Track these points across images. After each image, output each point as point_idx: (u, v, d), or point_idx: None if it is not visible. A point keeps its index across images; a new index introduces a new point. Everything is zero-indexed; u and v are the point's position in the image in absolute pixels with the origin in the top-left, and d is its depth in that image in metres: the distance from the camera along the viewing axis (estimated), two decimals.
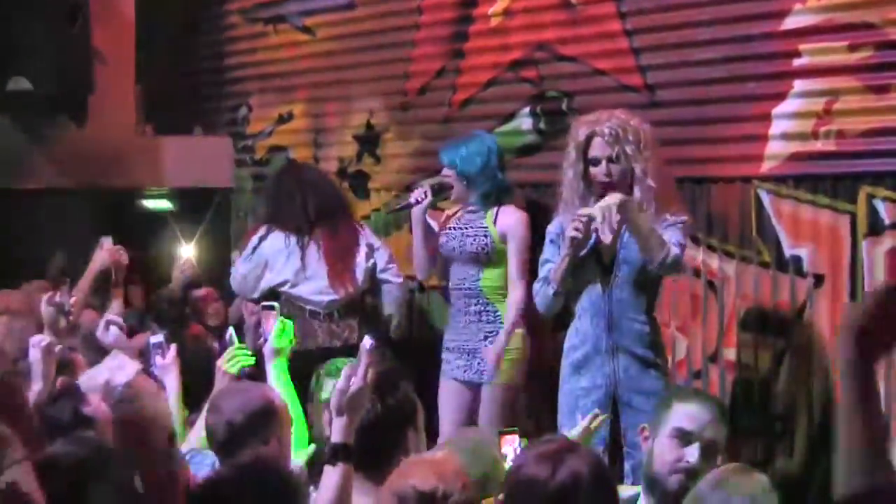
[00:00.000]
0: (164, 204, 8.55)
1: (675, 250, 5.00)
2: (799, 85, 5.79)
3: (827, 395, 5.71)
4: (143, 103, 8.67)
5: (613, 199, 4.93)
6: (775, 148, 5.87)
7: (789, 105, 5.82)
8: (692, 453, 3.69)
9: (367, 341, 3.36)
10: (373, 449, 3.41)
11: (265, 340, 4.70)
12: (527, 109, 6.94)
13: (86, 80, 7.65)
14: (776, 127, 5.86)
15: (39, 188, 7.81)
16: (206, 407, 4.74)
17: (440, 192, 6.00)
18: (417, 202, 5.95)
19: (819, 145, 5.70)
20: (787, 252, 5.85)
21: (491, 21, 7.12)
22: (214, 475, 3.24)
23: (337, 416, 3.26)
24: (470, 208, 6.03)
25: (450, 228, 6.06)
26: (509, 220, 5.93)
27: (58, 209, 7.78)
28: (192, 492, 3.25)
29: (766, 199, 5.92)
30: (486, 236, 5.91)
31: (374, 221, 7.55)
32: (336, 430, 3.26)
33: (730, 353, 6.03)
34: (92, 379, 4.42)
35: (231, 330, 5.55)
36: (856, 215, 5.63)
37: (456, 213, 6.11)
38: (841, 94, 5.63)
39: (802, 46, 5.76)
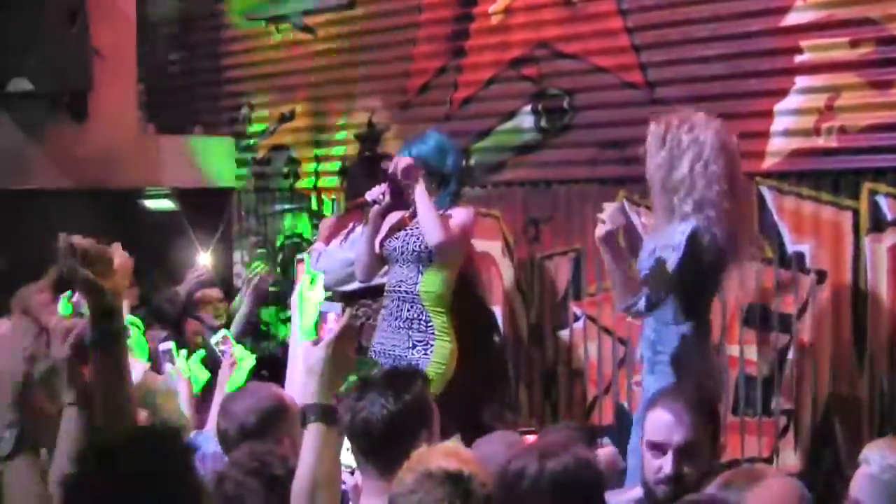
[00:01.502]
0: (165, 204, 8.55)
1: (641, 304, 4.77)
2: (800, 81, 5.80)
3: (830, 391, 5.71)
4: (145, 103, 8.67)
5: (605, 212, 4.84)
6: (777, 144, 5.87)
7: (791, 101, 5.82)
8: (666, 463, 3.68)
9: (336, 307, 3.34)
10: (385, 446, 3.38)
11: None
12: (528, 107, 6.94)
13: (86, 79, 7.64)
14: (778, 123, 5.86)
15: (39, 188, 7.80)
16: (213, 404, 4.75)
17: (399, 191, 5.66)
18: (375, 202, 5.66)
19: (821, 142, 5.71)
20: (790, 248, 5.85)
21: (491, 19, 7.12)
22: None
23: (310, 376, 3.25)
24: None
25: (395, 231, 5.77)
26: (455, 216, 5.61)
27: (58, 209, 7.77)
28: None
29: (769, 196, 5.92)
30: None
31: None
32: (306, 392, 3.24)
33: (733, 350, 6.02)
34: None
35: (222, 332, 5.56)
36: (858, 211, 5.64)
37: (403, 217, 5.81)
38: (843, 91, 5.64)
39: (804, 43, 5.77)
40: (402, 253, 5.65)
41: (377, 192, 5.64)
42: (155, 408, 4.54)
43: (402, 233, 5.70)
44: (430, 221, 5.50)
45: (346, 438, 3.44)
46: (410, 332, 5.60)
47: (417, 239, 5.60)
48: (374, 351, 5.75)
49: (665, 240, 4.83)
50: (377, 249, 5.74)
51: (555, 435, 3.84)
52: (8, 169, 7.70)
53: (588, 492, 3.19)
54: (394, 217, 5.80)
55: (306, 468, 3.13)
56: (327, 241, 6.60)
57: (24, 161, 7.77)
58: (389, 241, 5.72)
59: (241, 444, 3.86)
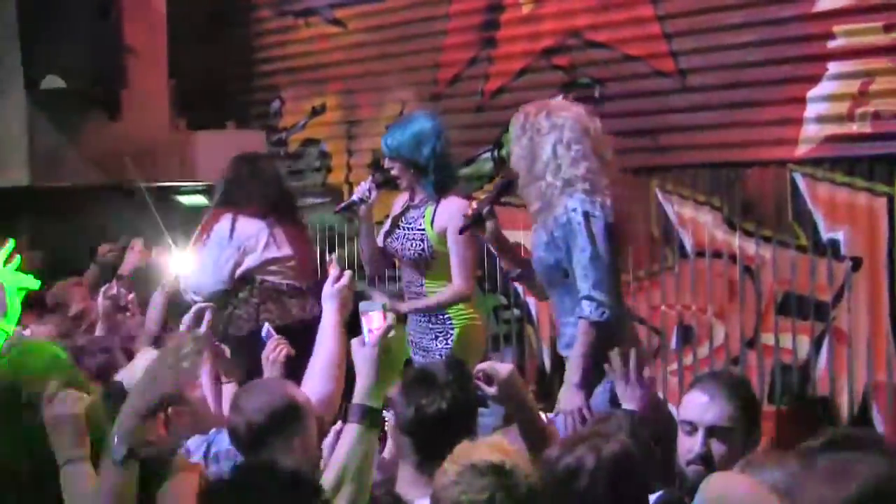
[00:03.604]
0: (198, 199, 8.57)
1: (593, 313, 4.69)
2: (833, 67, 5.76)
3: (867, 379, 5.68)
4: (176, 98, 8.69)
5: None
6: (810, 131, 5.84)
7: (824, 87, 5.78)
8: (696, 441, 3.69)
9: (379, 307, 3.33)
10: (437, 442, 3.35)
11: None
12: (559, 97, 6.92)
13: (119, 76, 7.68)
14: (811, 110, 5.82)
15: (73, 185, 7.84)
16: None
17: (386, 185, 5.64)
18: (362, 200, 5.60)
19: (855, 127, 5.67)
20: (824, 235, 5.82)
21: (522, 9, 7.11)
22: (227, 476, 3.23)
23: (358, 376, 3.25)
24: (414, 202, 5.64)
25: (394, 227, 5.72)
26: (447, 215, 5.47)
27: (92, 205, 7.81)
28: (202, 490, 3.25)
29: (802, 183, 5.89)
30: (422, 240, 5.52)
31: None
32: (356, 391, 3.24)
33: (768, 338, 6.00)
34: (130, 377, 4.43)
35: (267, 325, 5.54)
36: (893, 197, 5.60)
37: (403, 208, 5.76)
38: (876, 76, 5.59)
39: (836, 28, 5.73)
40: (403, 257, 5.65)
41: (363, 190, 5.59)
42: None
43: (401, 233, 5.64)
44: (449, 301, 5.53)
45: None
46: (430, 325, 5.62)
47: (412, 244, 5.56)
48: (409, 342, 5.81)
49: (553, 231, 4.82)
50: (381, 244, 5.70)
51: (603, 424, 3.82)
52: (42, 165, 7.74)
53: (641, 476, 3.20)
54: (397, 206, 5.80)
55: (338, 463, 3.16)
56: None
57: (58, 158, 7.81)
58: (390, 242, 5.70)
59: (250, 442, 3.85)
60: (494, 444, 3.06)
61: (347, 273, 4.41)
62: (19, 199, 7.80)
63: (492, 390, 3.64)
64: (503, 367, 3.71)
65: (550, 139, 4.83)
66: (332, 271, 4.53)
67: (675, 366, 6.40)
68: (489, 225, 4.92)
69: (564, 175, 4.78)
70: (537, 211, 4.88)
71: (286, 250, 6.18)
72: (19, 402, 3.17)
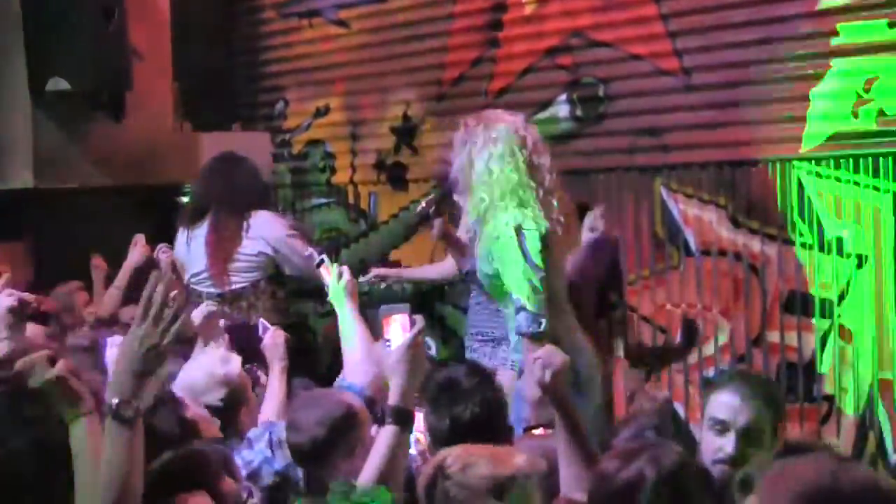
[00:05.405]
0: None
1: (527, 326, 4.72)
2: (837, 64, 5.75)
3: (872, 376, 5.68)
4: (180, 100, 8.68)
5: None
6: (815, 128, 5.83)
7: (828, 85, 5.77)
8: (728, 443, 3.67)
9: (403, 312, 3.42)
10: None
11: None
12: (563, 97, 6.92)
13: (123, 77, 7.67)
14: (815, 107, 5.82)
15: (78, 186, 7.84)
16: (266, 403, 4.78)
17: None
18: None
19: (859, 125, 5.66)
20: (829, 233, 5.81)
21: (525, 9, 7.10)
22: None
23: (392, 378, 3.30)
24: None
25: None
26: None
27: (96, 207, 7.81)
28: None
29: (807, 181, 5.88)
30: None
31: (412, 212, 7.53)
32: (391, 392, 3.31)
33: (773, 336, 5.99)
34: (199, 372, 4.48)
35: (261, 321, 5.63)
36: None
37: None
38: (881, 73, 5.59)
39: (840, 25, 5.72)
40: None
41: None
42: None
43: None
44: None
45: None
46: (500, 315, 5.63)
47: None
48: (470, 334, 5.85)
49: (489, 245, 4.89)
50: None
51: (633, 428, 3.82)
52: (47, 168, 7.74)
53: (702, 485, 3.17)
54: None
55: (374, 465, 3.20)
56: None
57: (63, 160, 7.81)
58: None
59: (315, 456, 3.82)
60: (492, 452, 3.09)
61: (345, 268, 4.58)
62: (23, 202, 7.80)
63: (546, 376, 3.54)
64: (559, 358, 3.62)
65: (485, 153, 4.94)
66: (330, 272, 4.66)
67: (680, 364, 6.39)
68: (436, 222, 5.37)
69: (495, 189, 4.86)
70: (473, 223, 4.96)
71: (197, 266, 6.41)
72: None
